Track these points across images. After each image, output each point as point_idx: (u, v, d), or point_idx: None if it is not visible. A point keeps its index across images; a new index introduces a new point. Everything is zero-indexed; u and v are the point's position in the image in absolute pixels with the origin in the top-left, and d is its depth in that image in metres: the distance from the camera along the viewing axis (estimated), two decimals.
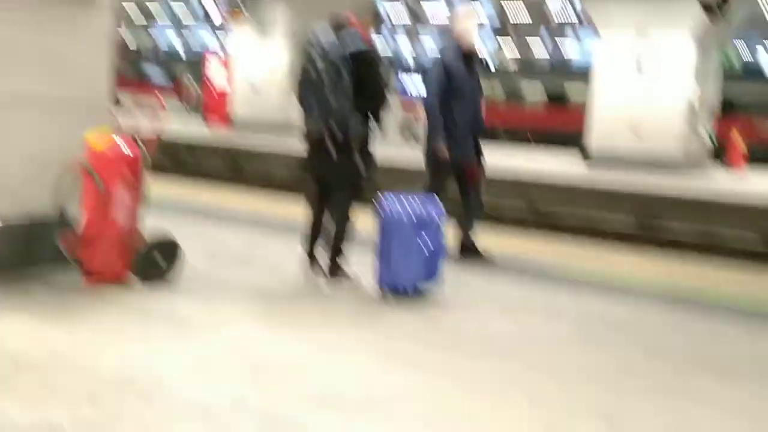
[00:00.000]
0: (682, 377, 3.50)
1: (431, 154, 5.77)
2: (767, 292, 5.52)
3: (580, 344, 3.92)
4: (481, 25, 6.10)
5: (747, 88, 21.20)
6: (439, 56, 5.89)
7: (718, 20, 14.14)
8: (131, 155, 4.33)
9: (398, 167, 14.32)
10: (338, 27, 4.65)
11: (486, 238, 6.06)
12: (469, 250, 5.79)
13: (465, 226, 5.84)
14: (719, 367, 3.71)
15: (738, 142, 16.96)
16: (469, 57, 5.75)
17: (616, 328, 4.31)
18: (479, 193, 5.90)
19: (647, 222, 11.75)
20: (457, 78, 5.63)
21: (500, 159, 13.64)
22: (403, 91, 19.22)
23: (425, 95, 5.88)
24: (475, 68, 5.86)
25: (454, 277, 4.97)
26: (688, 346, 4.04)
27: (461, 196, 5.89)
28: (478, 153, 5.89)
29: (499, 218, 11.05)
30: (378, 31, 38.71)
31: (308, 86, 4.61)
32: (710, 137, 16.19)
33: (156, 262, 4.42)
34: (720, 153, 17.33)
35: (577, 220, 11.77)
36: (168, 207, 7.47)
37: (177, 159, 17.62)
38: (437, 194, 5.85)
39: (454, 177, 5.86)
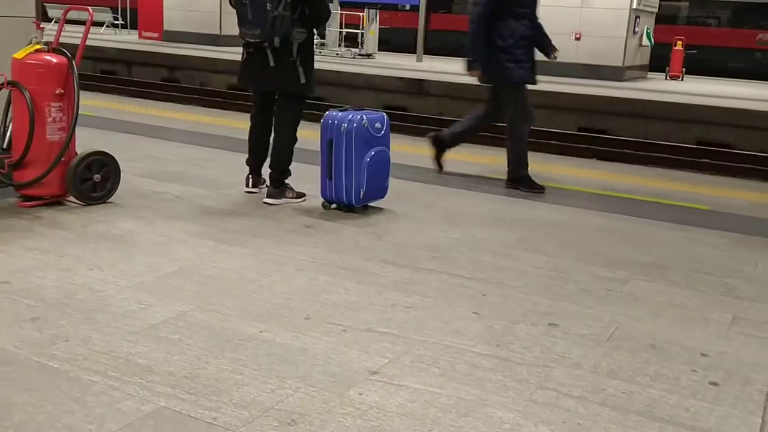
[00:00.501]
0: (617, 279, 3.63)
1: (493, 70, 5.44)
2: (704, 194, 5.71)
3: (523, 251, 4.02)
4: None
5: None
6: None
7: None
8: (61, 70, 4.12)
9: (343, 80, 14.12)
10: None
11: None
12: (520, 179, 5.54)
13: (517, 155, 5.54)
14: (653, 268, 3.86)
15: (678, 49, 17.17)
16: None
17: (557, 233, 4.42)
18: (529, 117, 5.60)
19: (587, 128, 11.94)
20: None
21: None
22: (346, 1, 18.67)
23: (474, 4, 5.42)
24: None
25: (401, 191, 4.99)
26: (624, 249, 4.18)
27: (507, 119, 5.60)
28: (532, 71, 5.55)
29: None
30: None
31: None
32: (649, 38, 16.30)
33: (92, 179, 4.29)
34: (660, 60, 17.56)
35: None
36: (103, 122, 7.24)
37: (110, 72, 16.96)
38: (495, 119, 5.77)
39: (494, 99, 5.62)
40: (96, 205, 4.31)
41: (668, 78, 16.96)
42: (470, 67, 5.48)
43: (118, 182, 4.46)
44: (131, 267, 3.38)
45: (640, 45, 16.10)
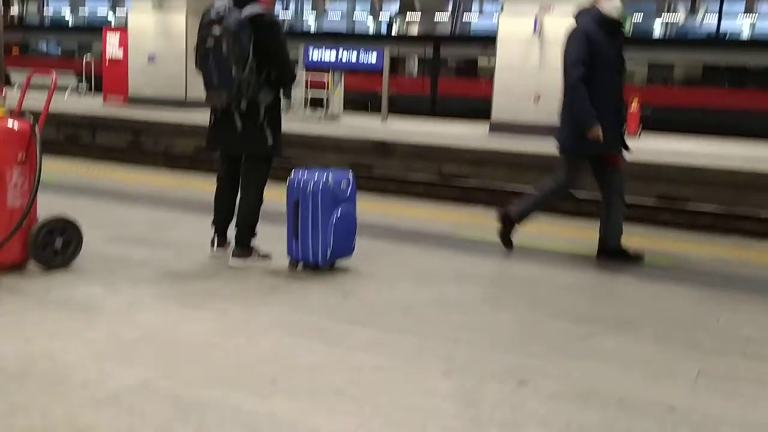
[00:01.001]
0: (585, 335, 3.64)
1: (572, 139, 5.20)
2: (666, 250, 5.80)
3: (491, 307, 4.02)
4: None
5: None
6: (579, 26, 5.23)
7: None
8: (23, 135, 4.09)
9: (309, 141, 14.25)
10: (239, 1, 4.49)
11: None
12: (616, 252, 5.28)
13: (610, 226, 5.29)
14: (620, 323, 3.88)
15: (635, 107, 17.67)
16: (612, 26, 5.18)
17: (525, 290, 4.43)
18: (622, 185, 5.34)
19: None
20: (601, 50, 5.08)
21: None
22: (311, 64, 19.02)
23: (566, 70, 5.20)
24: (620, 39, 5.28)
25: (367, 249, 4.99)
26: (591, 305, 4.20)
27: (604, 190, 5.34)
28: (621, 137, 5.32)
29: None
30: (284, 5, 37.87)
31: (207, 55, 4.40)
32: None
33: (54, 244, 4.22)
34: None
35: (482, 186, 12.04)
36: (66, 187, 7.16)
37: (74, 137, 16.89)
38: (572, 188, 5.48)
39: (591, 167, 5.33)
40: (57, 271, 4.23)
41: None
42: (589, 126, 5.10)
43: (81, 247, 4.38)
44: (93, 334, 3.30)
45: None
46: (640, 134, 17.41)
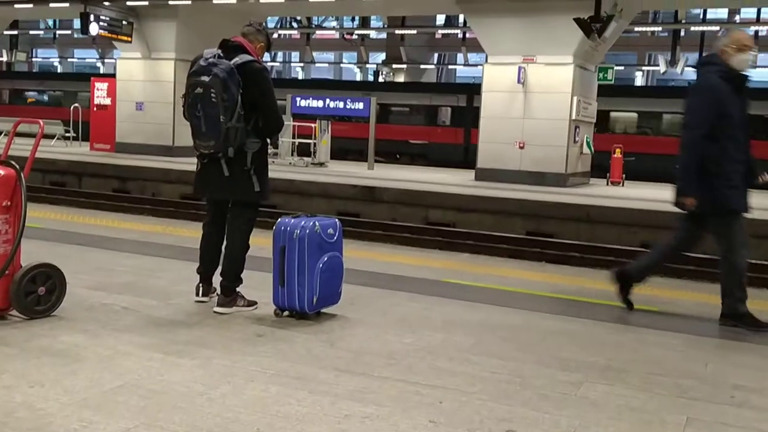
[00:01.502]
0: (574, 383, 3.62)
1: (720, 197, 4.91)
2: (653, 295, 5.81)
3: (479, 355, 3.99)
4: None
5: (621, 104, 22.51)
6: (703, 82, 5.00)
7: (595, 41, 14.93)
8: (8, 182, 4.08)
9: (296, 189, 14.29)
10: (228, 50, 4.54)
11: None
12: (739, 316, 4.96)
13: (732, 289, 4.96)
14: (608, 370, 3.86)
15: (618, 156, 17.89)
16: (740, 81, 4.94)
17: (512, 337, 4.41)
18: (746, 247, 5.02)
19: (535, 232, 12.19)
20: (727, 107, 4.83)
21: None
22: (299, 112, 19.26)
23: (686, 127, 4.96)
24: (746, 93, 5.00)
25: (354, 296, 4.96)
26: (579, 352, 4.19)
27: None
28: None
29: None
30: (272, 56, 38.30)
31: (195, 103, 4.42)
32: (589, 146, 16.99)
33: (37, 292, 4.17)
34: (601, 167, 18.27)
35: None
36: (51, 234, 7.11)
37: (60, 184, 16.85)
38: (688, 249, 5.28)
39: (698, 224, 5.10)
40: (40, 319, 4.17)
41: (609, 184, 17.58)
42: (684, 194, 4.95)
43: (64, 295, 4.33)
44: (74, 383, 3.24)
45: (581, 153, 16.76)
46: (623, 182, 17.59)
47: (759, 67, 28.28)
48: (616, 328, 4.84)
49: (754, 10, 24.36)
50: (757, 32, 25.64)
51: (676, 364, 4.09)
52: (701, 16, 27.77)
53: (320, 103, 19.32)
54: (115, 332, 4.04)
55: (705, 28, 27.14)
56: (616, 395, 3.49)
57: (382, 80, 33.33)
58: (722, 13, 28.79)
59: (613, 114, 22.67)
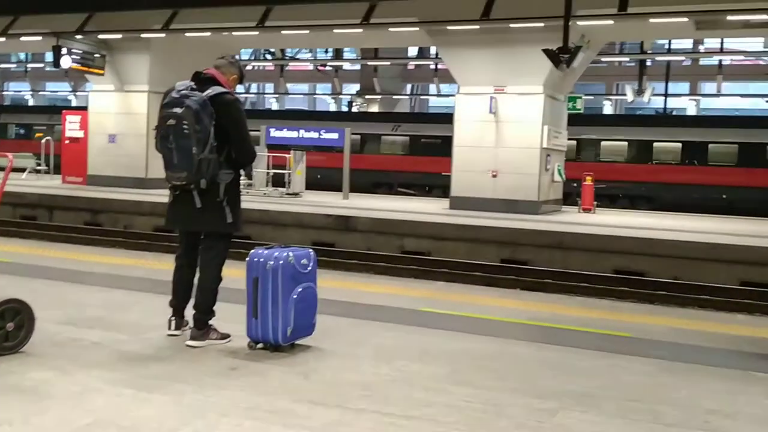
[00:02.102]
0: (549, 411, 3.62)
1: None
2: (625, 321, 5.86)
3: (454, 384, 3.98)
4: None
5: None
6: None
7: (564, 71, 15.17)
8: None
9: (270, 219, 14.23)
10: (201, 82, 4.55)
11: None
12: None
13: None
14: (583, 397, 3.87)
15: (589, 184, 18.09)
16: None
17: (488, 365, 4.41)
18: None
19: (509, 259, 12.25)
20: None
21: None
22: (273, 143, 19.28)
23: None
24: None
25: (328, 327, 4.93)
26: (554, 379, 4.19)
27: None
28: None
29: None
30: (246, 88, 38.32)
31: (168, 135, 4.41)
32: (560, 174, 17.18)
33: (5, 328, 4.09)
34: (572, 194, 18.45)
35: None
36: (21, 268, 7.00)
37: (31, 217, 16.62)
38: None
39: None
40: (8, 355, 4.08)
41: (581, 211, 17.76)
42: None
43: (32, 330, 4.25)
44: (44, 420, 3.17)
45: (553, 181, 16.94)
46: (595, 209, 17.78)
47: (723, 95, 29.00)
48: (590, 354, 4.86)
49: (718, 40, 25.00)
50: (720, 62, 26.21)
51: (650, 389, 4.11)
52: (666, 46, 28.45)
53: (295, 134, 19.36)
54: (85, 368, 3.97)
55: (670, 58, 27.81)
56: (591, 422, 3.49)
57: (356, 110, 33.46)
58: (687, 43, 29.44)
59: (584, 142, 22.93)
